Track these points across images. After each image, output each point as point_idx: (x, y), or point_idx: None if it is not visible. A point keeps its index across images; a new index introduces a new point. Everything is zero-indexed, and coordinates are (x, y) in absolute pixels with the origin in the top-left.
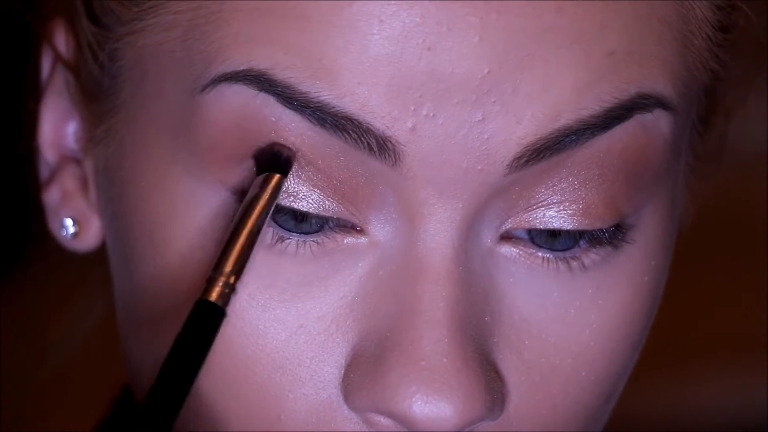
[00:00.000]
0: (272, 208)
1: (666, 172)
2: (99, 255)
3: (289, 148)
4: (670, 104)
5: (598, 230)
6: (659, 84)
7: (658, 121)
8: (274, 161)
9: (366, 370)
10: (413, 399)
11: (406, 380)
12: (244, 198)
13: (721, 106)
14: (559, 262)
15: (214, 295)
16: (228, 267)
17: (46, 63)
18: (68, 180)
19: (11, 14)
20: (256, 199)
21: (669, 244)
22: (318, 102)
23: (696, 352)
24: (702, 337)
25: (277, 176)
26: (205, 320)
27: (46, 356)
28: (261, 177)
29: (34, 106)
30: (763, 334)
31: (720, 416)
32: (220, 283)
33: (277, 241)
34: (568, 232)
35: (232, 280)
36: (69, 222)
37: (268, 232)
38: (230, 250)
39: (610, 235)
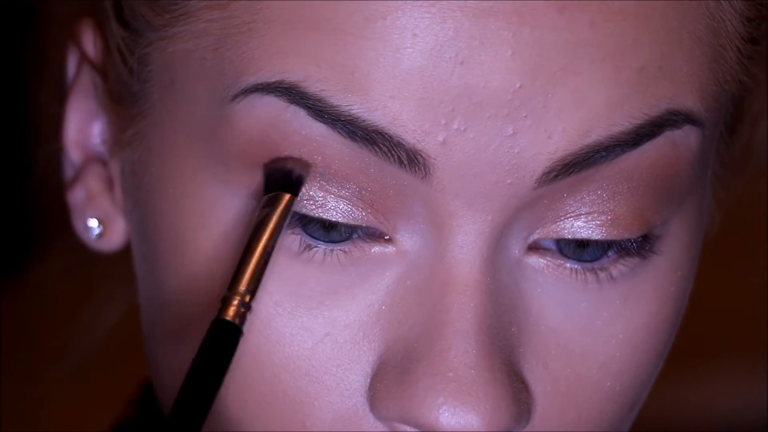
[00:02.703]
0: (284, 228)
1: (694, 184)
2: (119, 254)
3: (304, 164)
4: (699, 120)
5: (627, 241)
6: (689, 100)
7: (688, 137)
8: (285, 179)
9: (393, 379)
10: (440, 410)
11: (434, 391)
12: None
13: (748, 114)
14: (587, 273)
15: (230, 314)
16: (243, 286)
17: (71, 63)
18: (93, 180)
19: (15, 15)
20: (267, 217)
21: (695, 255)
22: (349, 115)
23: (696, 352)
24: (702, 337)
25: (287, 196)
26: (222, 339)
27: (64, 355)
28: (271, 195)
29: (58, 107)
30: (763, 334)
31: (720, 417)
32: (236, 302)
33: (304, 249)
34: (596, 242)
35: (247, 299)
36: (94, 222)
37: (296, 240)
38: (244, 269)
39: (638, 246)
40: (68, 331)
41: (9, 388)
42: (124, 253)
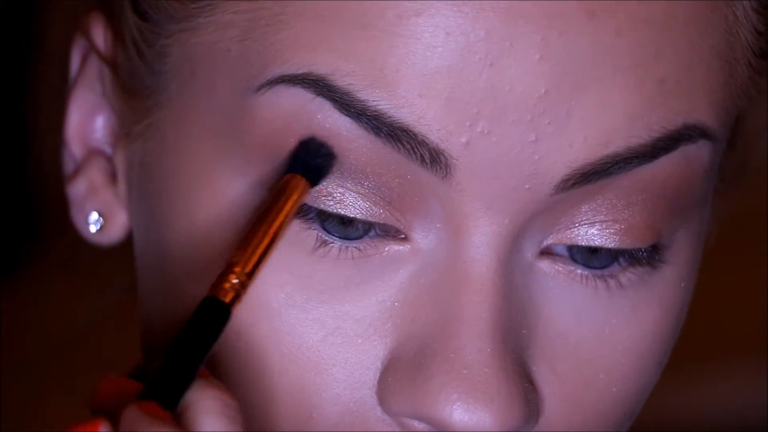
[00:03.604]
0: (294, 213)
1: (702, 197)
2: (117, 250)
3: (332, 155)
4: (713, 134)
5: (637, 250)
6: (704, 114)
7: (701, 151)
8: (311, 160)
9: (405, 375)
10: (454, 406)
11: (448, 387)
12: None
13: (746, 128)
14: (597, 280)
15: (224, 293)
16: (240, 267)
17: (75, 57)
18: (95, 173)
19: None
20: (283, 202)
21: (696, 265)
22: (375, 111)
23: (696, 352)
24: (702, 337)
25: (304, 182)
26: (212, 318)
27: (61, 350)
28: (289, 177)
29: (58, 102)
30: (763, 334)
31: (720, 416)
32: (233, 281)
33: (320, 246)
34: (608, 250)
35: (244, 279)
36: (95, 215)
37: (312, 235)
38: (247, 249)
39: (648, 255)
40: (66, 327)
41: (8, 385)
42: (122, 248)
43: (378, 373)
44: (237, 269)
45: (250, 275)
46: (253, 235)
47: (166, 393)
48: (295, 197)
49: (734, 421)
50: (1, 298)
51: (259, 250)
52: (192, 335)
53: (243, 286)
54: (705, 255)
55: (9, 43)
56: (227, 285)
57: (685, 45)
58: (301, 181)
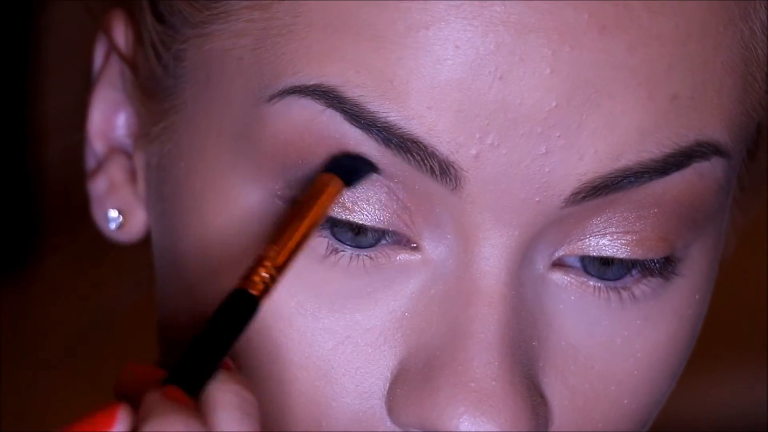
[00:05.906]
0: (327, 212)
1: (717, 211)
2: (126, 248)
3: (372, 165)
4: (726, 151)
5: (650, 261)
6: (717, 132)
7: (715, 169)
8: (350, 167)
9: (413, 386)
10: (461, 419)
11: (455, 400)
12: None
13: (766, 139)
14: (610, 292)
15: (253, 286)
16: (270, 260)
17: (99, 53)
18: (116, 171)
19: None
20: (313, 198)
21: (712, 278)
22: (385, 122)
23: (697, 352)
24: (702, 337)
25: (339, 182)
26: (239, 309)
27: (67, 347)
28: (323, 175)
29: (63, 101)
30: (763, 333)
31: (720, 417)
32: (263, 274)
33: (330, 253)
34: (621, 261)
35: (273, 273)
36: (114, 213)
37: (323, 243)
38: (277, 242)
39: (661, 267)
40: (73, 324)
41: (11, 380)
42: (144, 242)
43: (387, 384)
44: (267, 263)
45: (280, 270)
46: (285, 230)
47: (190, 380)
48: (328, 195)
49: (734, 421)
50: (8, 292)
51: (290, 245)
52: (218, 325)
53: (273, 280)
54: None
55: (12, 43)
56: (257, 278)
57: (698, 61)
58: (335, 180)
